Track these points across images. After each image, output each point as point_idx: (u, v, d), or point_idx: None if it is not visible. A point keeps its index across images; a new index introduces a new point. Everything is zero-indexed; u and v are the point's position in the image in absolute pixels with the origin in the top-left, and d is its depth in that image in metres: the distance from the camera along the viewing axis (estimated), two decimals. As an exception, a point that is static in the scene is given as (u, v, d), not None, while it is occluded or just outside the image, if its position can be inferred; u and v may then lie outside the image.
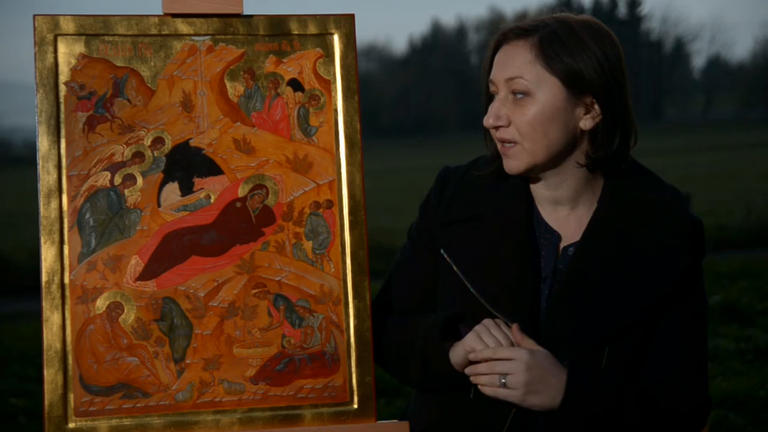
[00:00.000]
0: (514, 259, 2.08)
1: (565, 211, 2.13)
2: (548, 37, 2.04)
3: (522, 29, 2.08)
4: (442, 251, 2.13)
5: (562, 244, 2.11)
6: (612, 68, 2.06)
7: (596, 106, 2.06)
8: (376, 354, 2.09)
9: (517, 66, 2.05)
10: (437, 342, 2.07)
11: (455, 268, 2.10)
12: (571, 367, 1.99)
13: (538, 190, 2.14)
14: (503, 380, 1.98)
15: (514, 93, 2.06)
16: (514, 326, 2.02)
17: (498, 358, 1.99)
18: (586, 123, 2.07)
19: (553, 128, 2.04)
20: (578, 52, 2.04)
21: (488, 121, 2.07)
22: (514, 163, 2.07)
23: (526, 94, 2.04)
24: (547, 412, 2.00)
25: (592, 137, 2.08)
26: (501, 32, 2.11)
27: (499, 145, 2.10)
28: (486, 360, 2.00)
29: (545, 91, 2.04)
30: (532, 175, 2.10)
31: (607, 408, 2.00)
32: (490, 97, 2.13)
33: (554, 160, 2.07)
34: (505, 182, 2.15)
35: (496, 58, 2.10)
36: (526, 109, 2.04)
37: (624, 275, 2.05)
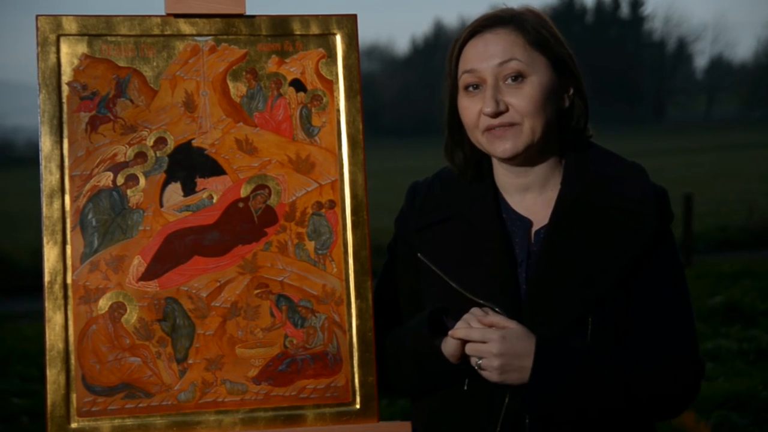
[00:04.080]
0: (488, 249, 2.12)
1: (533, 198, 2.17)
2: (530, 23, 2.12)
3: (498, 18, 2.13)
4: (419, 255, 2.15)
5: (534, 229, 2.15)
6: (572, 51, 2.17)
7: (571, 86, 2.15)
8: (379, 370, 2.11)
9: (507, 49, 2.10)
10: (426, 335, 2.08)
11: (433, 267, 2.13)
12: (537, 345, 2.01)
13: (506, 180, 2.18)
14: (479, 362, 2.02)
15: (505, 79, 2.09)
16: (486, 309, 2.04)
17: (472, 339, 2.03)
18: (564, 102, 2.16)
19: (548, 107, 2.11)
20: (553, 35, 2.14)
21: (488, 109, 2.08)
22: (510, 144, 2.09)
23: (520, 75, 2.09)
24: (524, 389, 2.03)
25: (568, 115, 2.16)
26: (472, 26, 2.15)
27: (485, 137, 2.11)
28: (461, 339, 2.04)
29: (539, 71, 2.10)
30: (517, 160, 2.12)
31: (583, 379, 2.02)
32: (455, 94, 2.15)
33: (543, 140, 2.12)
34: (470, 181, 2.20)
35: (472, 50, 2.13)
36: (525, 89, 2.09)
37: (595, 247, 2.09)
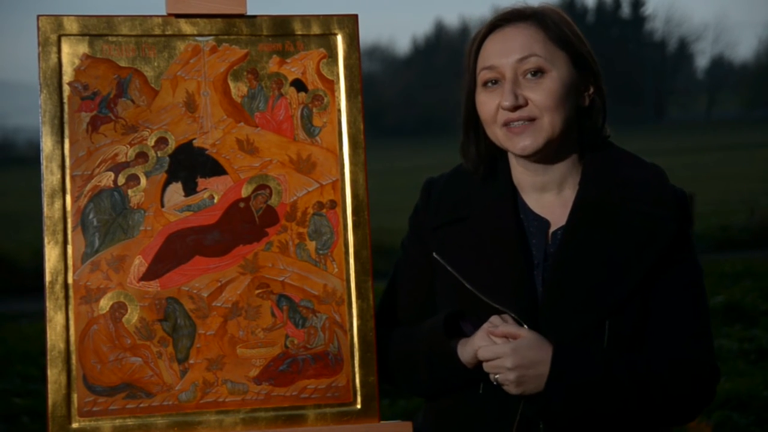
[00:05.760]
0: (505, 249, 2.11)
1: (551, 197, 2.15)
2: (550, 19, 2.11)
3: (519, 13, 2.13)
4: (434, 254, 2.14)
5: (551, 230, 2.14)
6: (592, 51, 2.16)
7: (592, 84, 2.14)
8: (382, 369, 2.11)
9: (527, 45, 2.09)
10: (442, 339, 2.07)
11: (449, 268, 2.11)
12: (554, 352, 2.00)
13: (524, 178, 2.17)
14: (496, 377, 2.03)
15: (525, 74, 2.08)
16: (505, 317, 2.03)
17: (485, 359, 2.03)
18: (584, 100, 2.14)
19: (568, 103, 2.10)
20: (574, 32, 2.13)
21: (506, 102, 2.06)
22: (529, 141, 2.08)
23: (540, 71, 2.08)
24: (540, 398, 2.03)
25: (587, 114, 2.15)
26: (492, 20, 2.15)
27: (504, 132, 2.10)
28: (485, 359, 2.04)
29: (559, 66, 2.09)
30: (536, 157, 2.11)
31: (598, 386, 2.01)
32: (472, 90, 2.15)
33: (562, 137, 2.10)
34: (488, 179, 2.18)
35: (492, 46, 2.12)
36: (545, 84, 2.08)
37: (613, 250, 2.07)
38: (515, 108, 2.07)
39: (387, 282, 2.27)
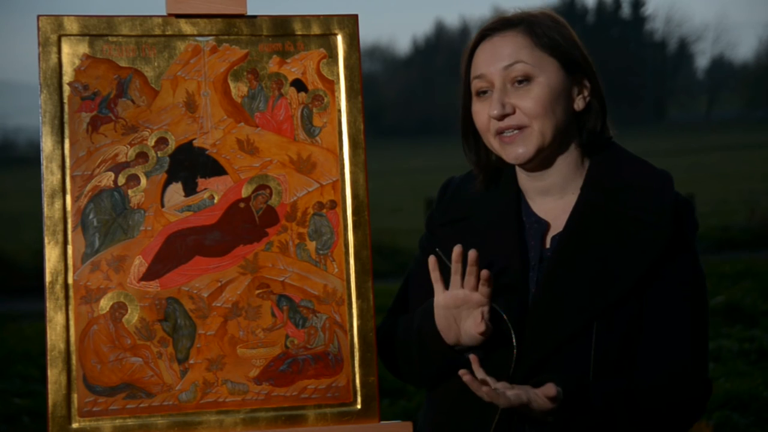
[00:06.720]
0: (502, 249, 2.12)
1: (553, 202, 2.16)
2: (538, 24, 2.11)
3: (507, 21, 2.14)
4: (437, 249, 2.15)
5: (551, 233, 2.15)
6: (587, 53, 2.16)
7: (586, 87, 2.14)
8: (388, 361, 2.10)
9: (514, 52, 2.10)
10: (431, 322, 2.08)
11: (448, 264, 2.12)
12: (559, 406, 1.96)
13: (526, 183, 2.18)
14: (496, 386, 1.96)
15: (513, 81, 2.09)
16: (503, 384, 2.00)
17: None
18: (579, 103, 2.14)
19: (558, 108, 2.10)
20: (566, 36, 2.13)
21: (494, 111, 2.08)
22: (521, 149, 2.09)
23: (527, 78, 2.09)
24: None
25: (584, 117, 2.15)
26: (482, 29, 2.16)
27: (497, 141, 2.12)
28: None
29: (547, 72, 2.09)
30: (532, 164, 2.12)
31: (600, 418, 2.01)
32: (469, 99, 2.16)
33: (556, 143, 2.11)
34: (493, 182, 2.21)
35: (481, 55, 2.13)
36: (532, 91, 2.08)
37: (607, 256, 2.07)
38: (503, 116, 2.08)
39: (404, 276, 2.31)
